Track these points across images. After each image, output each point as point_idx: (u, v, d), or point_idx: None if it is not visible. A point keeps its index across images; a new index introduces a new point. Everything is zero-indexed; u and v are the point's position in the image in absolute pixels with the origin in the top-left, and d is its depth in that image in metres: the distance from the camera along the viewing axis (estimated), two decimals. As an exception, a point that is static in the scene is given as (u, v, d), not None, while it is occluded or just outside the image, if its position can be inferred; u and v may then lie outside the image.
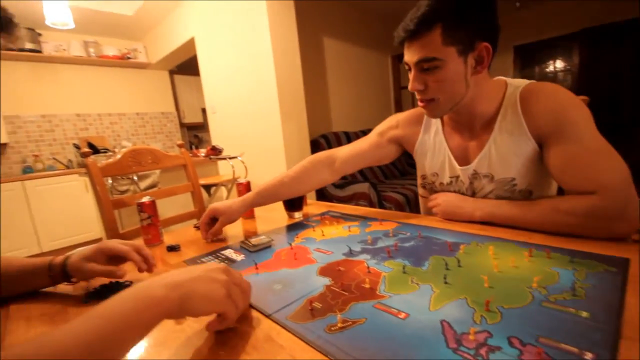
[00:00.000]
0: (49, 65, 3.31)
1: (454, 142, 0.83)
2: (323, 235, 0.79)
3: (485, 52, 0.67)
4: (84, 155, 1.14)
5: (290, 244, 0.74)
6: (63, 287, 0.64)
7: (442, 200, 0.83)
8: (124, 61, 3.68)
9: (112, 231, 1.14)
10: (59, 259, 0.61)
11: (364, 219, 0.89)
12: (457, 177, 0.83)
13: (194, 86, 4.30)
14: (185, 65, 4.01)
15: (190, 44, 3.14)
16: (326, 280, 0.55)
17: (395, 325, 0.41)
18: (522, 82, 0.74)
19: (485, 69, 0.70)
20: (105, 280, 0.64)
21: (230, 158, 2.08)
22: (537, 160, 0.71)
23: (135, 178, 1.88)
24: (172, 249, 0.80)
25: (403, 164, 3.57)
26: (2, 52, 2.94)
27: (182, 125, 4.46)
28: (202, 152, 2.56)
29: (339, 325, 0.42)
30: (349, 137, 3.16)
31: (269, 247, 0.75)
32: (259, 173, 2.54)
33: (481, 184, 0.79)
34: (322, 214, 1.00)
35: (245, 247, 0.75)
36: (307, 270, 0.60)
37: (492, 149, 0.75)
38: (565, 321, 0.38)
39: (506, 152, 0.73)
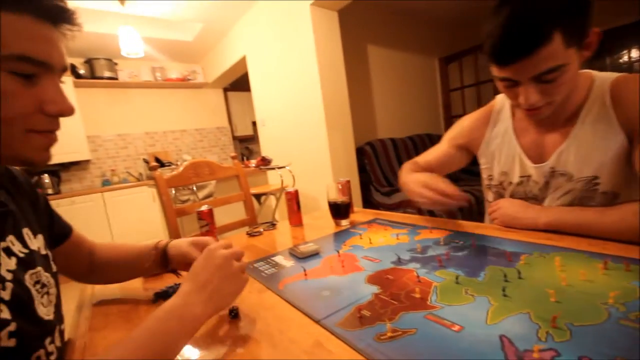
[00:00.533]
0: (123, 90, 3.76)
1: (526, 138, 0.77)
2: (370, 243, 0.78)
3: (595, 37, 0.60)
4: (152, 169, 1.28)
5: (338, 252, 0.75)
6: (134, 288, 0.72)
7: (501, 205, 0.78)
8: (185, 82, 4.04)
9: (175, 237, 1.24)
10: (162, 244, 0.67)
11: (413, 226, 0.87)
12: (529, 176, 0.76)
13: (245, 101, 4.56)
14: (238, 82, 4.28)
15: (242, 62, 3.35)
16: (374, 289, 0.54)
17: (448, 338, 0.39)
18: (612, 75, 0.66)
19: (590, 54, 0.61)
20: (169, 282, 0.70)
21: (278, 168, 2.16)
22: (626, 157, 0.63)
23: (194, 188, 2.04)
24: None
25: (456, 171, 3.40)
26: (87, 80, 3.41)
27: (234, 138, 4.74)
28: (253, 162, 2.69)
29: (389, 334, 0.41)
30: (395, 144, 3.10)
31: (317, 254, 0.76)
32: (306, 182, 2.60)
33: (558, 182, 0.71)
34: (370, 221, 0.99)
35: (294, 254, 0.77)
36: (355, 277, 0.60)
37: (573, 145, 0.68)
38: (651, 344, 0.33)
39: (589, 148, 0.66)
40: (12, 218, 0.45)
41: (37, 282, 0.44)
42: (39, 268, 0.46)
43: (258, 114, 3.25)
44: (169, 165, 2.85)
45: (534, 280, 0.49)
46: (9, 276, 0.39)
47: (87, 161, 3.56)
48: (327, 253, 0.76)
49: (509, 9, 0.56)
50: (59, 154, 3.19)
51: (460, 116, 4.06)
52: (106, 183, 3.54)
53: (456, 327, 0.41)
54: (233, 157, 1.57)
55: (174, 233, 1.24)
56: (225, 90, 4.59)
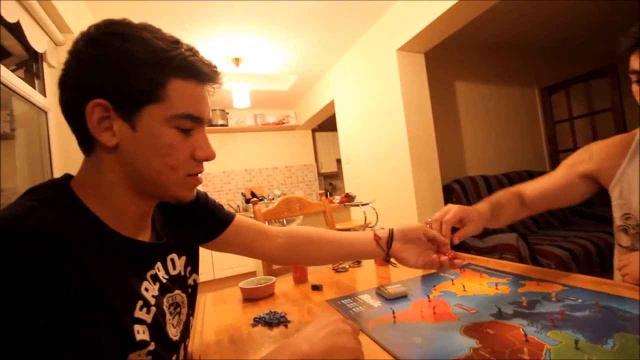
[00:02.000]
0: (230, 134, 4.40)
1: None
2: (464, 290, 0.73)
3: None
4: (252, 202, 1.44)
5: (428, 296, 0.72)
6: (234, 312, 0.80)
7: (636, 258, 0.66)
8: (280, 126, 4.53)
9: (268, 267, 1.35)
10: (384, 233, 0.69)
11: (514, 276, 0.78)
12: None
13: (331, 140, 4.83)
14: (325, 123, 4.59)
15: (331, 105, 3.61)
16: (472, 342, 0.51)
17: (567, 411, 0.34)
18: None
19: None
20: (265, 309, 0.77)
21: (362, 205, 2.19)
22: None
23: (284, 222, 2.20)
24: (316, 288, 0.89)
25: (565, 212, 2.91)
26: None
27: (320, 174, 5.00)
28: (337, 199, 2.78)
29: (491, 394, 0.38)
30: (488, 181, 2.85)
31: (405, 296, 0.74)
32: (390, 219, 2.55)
33: None
34: (463, 266, 0.92)
35: (381, 294, 0.77)
36: (448, 327, 0.57)
37: None
38: None
39: None
40: (163, 247, 0.53)
41: (172, 305, 0.50)
42: (177, 291, 0.52)
43: (343, 151, 3.39)
44: (262, 199, 3.15)
45: (688, 359, 0.40)
46: (152, 301, 0.44)
47: (198, 194, 4.18)
48: (416, 297, 0.73)
49: None
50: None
51: (569, 150, 3.55)
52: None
53: (577, 401, 0.36)
54: (321, 194, 1.66)
55: (267, 266, 1.35)
56: (314, 130, 4.95)
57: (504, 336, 0.51)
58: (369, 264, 1.12)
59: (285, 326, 0.67)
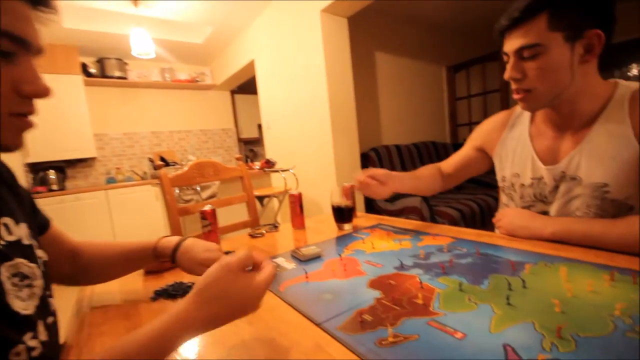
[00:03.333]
0: (132, 89, 3.80)
1: (541, 142, 0.77)
2: (373, 247, 0.78)
3: (596, 39, 0.61)
4: (157, 167, 1.28)
5: (340, 255, 0.74)
6: (134, 285, 0.72)
7: (507, 214, 0.77)
8: (193, 84, 4.08)
9: (177, 235, 1.24)
10: (170, 245, 0.66)
11: (416, 233, 0.86)
12: (540, 178, 0.76)
13: (252, 104, 4.58)
14: (245, 85, 4.31)
15: (250, 66, 3.37)
16: (376, 293, 0.54)
17: (451, 345, 0.38)
18: (636, 84, 0.66)
19: (594, 58, 0.64)
20: (169, 280, 0.70)
21: (282, 171, 2.16)
22: (638, 168, 0.62)
23: (198, 189, 2.05)
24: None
25: (459, 179, 3.38)
26: (97, 79, 3.45)
27: (240, 140, 4.76)
28: (257, 165, 2.70)
29: (390, 339, 0.41)
30: (400, 150, 3.10)
31: (319, 257, 0.76)
32: (310, 186, 2.60)
33: (568, 186, 0.70)
34: (373, 226, 0.98)
35: (296, 256, 0.77)
36: (356, 282, 0.60)
37: (585, 149, 0.68)
38: (659, 358, 0.33)
39: (602, 154, 0.65)
40: None
41: (15, 275, 0.41)
42: (19, 260, 0.43)
43: (264, 116, 3.26)
44: (174, 165, 2.87)
45: (539, 290, 0.49)
46: None
47: (93, 159, 3.59)
48: (329, 256, 0.75)
49: None
50: (65, 151, 3.23)
51: (466, 125, 4.04)
52: (111, 181, 3.56)
53: (459, 335, 0.40)
54: (238, 159, 1.57)
55: (176, 232, 1.24)
56: (233, 92, 4.62)
57: (404, 285, 0.56)
58: (286, 229, 1.11)
59: (192, 296, 0.62)
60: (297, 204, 1.09)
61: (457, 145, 3.74)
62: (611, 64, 3.78)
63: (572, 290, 0.47)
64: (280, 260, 0.76)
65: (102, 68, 3.52)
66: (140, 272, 0.79)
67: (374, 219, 1.11)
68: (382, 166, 2.92)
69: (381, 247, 0.77)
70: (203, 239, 0.94)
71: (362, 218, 1.14)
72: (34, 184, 3.18)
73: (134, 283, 0.72)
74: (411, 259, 0.67)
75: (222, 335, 0.47)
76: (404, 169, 3.05)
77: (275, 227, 1.12)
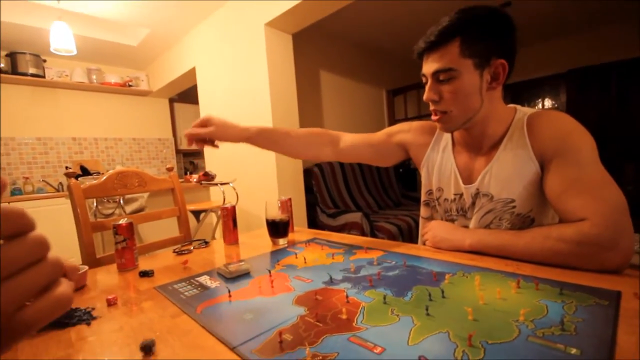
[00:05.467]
0: (50, 90, 3.36)
1: (461, 160, 0.82)
2: (305, 262, 0.75)
3: (501, 68, 0.68)
4: (68, 175, 1.12)
5: (270, 271, 0.70)
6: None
7: (432, 227, 0.81)
8: (125, 88, 3.75)
9: (89, 255, 1.09)
10: None
11: (350, 247, 0.86)
12: (461, 194, 0.81)
13: (193, 114, 4.37)
14: (186, 94, 4.10)
15: (191, 73, 3.23)
16: (301, 310, 0.51)
17: (369, 361, 0.37)
18: (531, 110, 0.75)
19: (500, 85, 0.70)
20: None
21: (221, 184, 2.06)
22: (539, 184, 0.69)
23: (121, 202, 1.84)
24: (145, 274, 0.75)
25: (397, 195, 3.56)
26: (5, 76, 3.00)
27: (178, 151, 4.48)
28: (195, 177, 2.54)
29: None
30: (344, 167, 3.18)
31: (247, 274, 0.71)
32: (251, 200, 2.51)
33: (481, 202, 0.76)
34: (308, 241, 0.96)
35: (222, 273, 0.71)
36: (283, 299, 0.56)
37: (494, 167, 0.74)
38: (553, 358, 0.34)
39: (508, 172, 0.72)
40: None
41: None
42: None
43: (205, 127, 3.11)
44: (98, 174, 2.56)
45: (456, 299, 0.50)
46: None
47: (-6, 166, 3.06)
48: (258, 273, 0.71)
49: (445, 18, 0.68)
50: (-45, 155, 2.70)
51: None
52: (16, 192, 3.06)
53: (378, 349, 0.39)
54: (169, 169, 1.45)
55: (88, 250, 1.09)
56: (172, 100, 4.37)
57: (330, 300, 0.54)
58: (217, 244, 1.04)
59: (88, 324, 0.53)
60: (229, 217, 1.03)
61: (398, 166, 3.97)
62: (521, 98, 4.39)
63: (484, 298, 0.49)
64: (203, 279, 0.69)
65: (14, 63, 3.08)
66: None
67: (311, 233, 1.09)
68: (325, 183, 2.95)
69: (313, 262, 0.75)
70: (116, 256, 0.83)
71: (300, 232, 1.12)
72: None
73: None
74: (341, 273, 0.66)
75: (115, 370, 0.40)
76: (347, 184, 3.12)
77: (205, 243, 1.03)
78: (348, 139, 0.98)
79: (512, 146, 0.72)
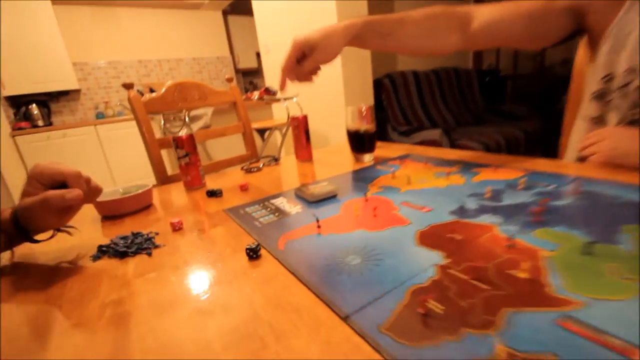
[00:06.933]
0: (107, 9, 3.30)
1: None
2: (409, 183, 0.56)
3: None
4: (126, 86, 1.02)
5: (365, 195, 0.52)
6: (77, 236, 0.52)
7: (607, 135, 0.53)
8: (178, 2, 3.53)
9: (160, 173, 1.04)
10: (8, 211, 0.43)
11: (464, 164, 0.63)
12: None
13: (248, 28, 4.05)
14: (238, 5, 3.74)
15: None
16: (435, 256, 0.33)
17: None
18: None
19: None
20: (128, 229, 0.50)
21: (285, 99, 1.87)
22: None
23: (187, 120, 1.79)
24: (213, 194, 0.64)
25: (480, 110, 3.04)
26: (66, -4, 2.96)
27: (237, 70, 4.33)
28: (256, 94, 2.39)
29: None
30: (418, 77, 2.72)
31: (334, 196, 0.54)
32: (315, 116, 2.32)
33: None
34: (401, 157, 0.75)
35: (301, 196, 0.56)
36: (397, 235, 0.38)
37: None
38: None
39: None
40: None
41: None
42: None
43: (261, 39, 2.83)
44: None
45: None
46: None
47: (77, 91, 3.27)
48: (348, 196, 0.54)
49: None
50: (42, 82, 2.91)
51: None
52: (100, 116, 3.30)
53: (637, 354, 0.19)
54: (229, 80, 1.29)
55: (158, 168, 1.03)
56: (225, 13, 4.06)
57: (476, 242, 0.34)
58: (289, 162, 0.89)
59: (149, 254, 0.42)
60: (301, 129, 0.85)
61: (483, 73, 3.32)
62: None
63: None
64: (280, 202, 0.55)
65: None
66: (95, 218, 0.59)
67: (400, 148, 0.87)
68: (397, 97, 2.59)
69: (420, 184, 0.55)
70: (181, 174, 0.73)
71: (384, 148, 0.91)
72: (16, 119, 2.94)
73: (77, 233, 0.52)
74: (474, 200, 0.45)
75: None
76: (422, 98, 2.71)
77: (275, 159, 0.89)
78: (484, 13, 0.63)
79: None
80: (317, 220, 0.43)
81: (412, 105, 2.65)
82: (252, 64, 4.39)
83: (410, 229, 0.39)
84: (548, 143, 2.25)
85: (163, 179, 1.03)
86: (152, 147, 1.01)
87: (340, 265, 0.33)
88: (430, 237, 0.37)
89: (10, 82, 2.76)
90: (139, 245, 0.43)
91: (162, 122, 1.84)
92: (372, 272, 0.31)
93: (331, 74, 2.12)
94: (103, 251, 0.43)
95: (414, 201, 0.48)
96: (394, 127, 2.44)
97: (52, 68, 2.89)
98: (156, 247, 0.44)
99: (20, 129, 2.74)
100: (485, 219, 0.39)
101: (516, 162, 0.60)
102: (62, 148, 2.75)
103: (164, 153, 1.13)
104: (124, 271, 0.38)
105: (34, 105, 2.93)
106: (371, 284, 0.29)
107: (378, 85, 2.51)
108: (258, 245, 0.38)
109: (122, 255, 0.42)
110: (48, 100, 3.10)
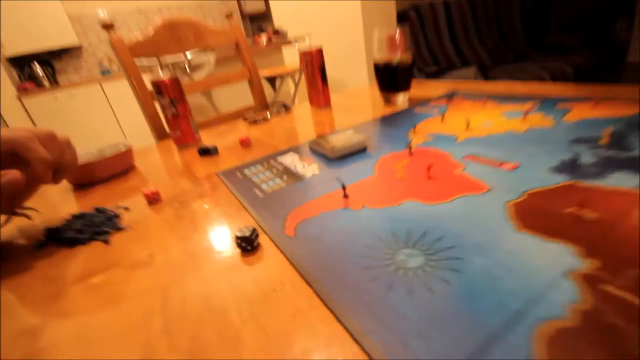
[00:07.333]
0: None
1: None
2: (468, 129, 0.40)
3: None
4: (105, 27, 0.85)
5: (409, 146, 0.37)
6: (35, 216, 0.40)
7: None
8: None
9: (157, 129, 0.91)
10: None
11: (540, 99, 0.45)
12: None
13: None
14: None
15: None
16: (561, 253, 0.18)
17: None
18: None
19: None
20: (95, 202, 0.38)
21: (296, 41, 1.64)
22: None
23: (187, 69, 1.62)
24: (206, 152, 0.50)
25: (521, 44, 2.66)
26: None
27: (244, 16, 3.97)
28: (264, 37, 2.14)
29: None
30: (449, 8, 2.35)
31: (364, 150, 0.39)
32: (332, 57, 2.07)
33: None
34: (447, 95, 0.58)
35: (319, 150, 0.41)
36: (474, 208, 0.24)
37: None
38: None
39: None
40: None
41: None
42: None
43: (267, -28, 2.48)
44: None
45: None
46: None
47: (79, 48, 3.10)
48: (383, 150, 0.38)
49: None
50: (41, 39, 2.75)
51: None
52: (105, 72, 3.15)
53: None
54: (228, 16, 1.09)
55: (154, 123, 0.90)
56: (226, -54, 3.61)
57: (629, 222, 0.19)
58: (302, 109, 0.73)
59: (105, 241, 0.30)
60: (316, 67, 0.67)
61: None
62: None
63: None
64: (288, 160, 0.41)
65: None
66: (66, 186, 0.48)
67: (439, 86, 0.69)
68: (424, 32, 2.26)
69: (486, 128, 0.39)
70: (169, 128, 0.59)
71: (417, 87, 0.72)
72: (21, 80, 2.84)
73: (38, 213, 0.40)
74: (584, 150, 0.29)
75: None
76: (452, 34, 2.37)
77: (285, 107, 0.73)
78: None
79: None
80: (343, 187, 0.29)
81: (441, 41, 2.32)
82: (259, 7, 3.99)
83: (494, 198, 0.24)
84: (602, 79, 1.93)
85: (161, 134, 0.90)
86: (144, 97, 0.87)
87: (387, 270, 0.19)
88: (536, 215, 0.22)
89: (8, 41, 2.62)
90: (95, 229, 0.31)
91: (161, 73, 1.67)
92: (452, 289, 0.17)
93: (347, 6, 1.83)
94: (51, 237, 0.32)
95: (484, 153, 0.32)
96: (420, 68, 2.16)
97: (49, 23, 2.70)
98: (118, 229, 0.31)
99: (25, 90, 2.66)
100: (615, 180, 0.24)
101: (601, 93, 0.42)
102: (70, 107, 2.67)
103: (158, 106, 0.98)
104: (62, 271, 0.26)
105: (36, 63, 2.81)
106: (455, 314, 0.16)
107: (402, 18, 2.19)
108: (254, 231, 0.24)
109: (71, 243, 0.30)
110: (51, 59, 2.96)
